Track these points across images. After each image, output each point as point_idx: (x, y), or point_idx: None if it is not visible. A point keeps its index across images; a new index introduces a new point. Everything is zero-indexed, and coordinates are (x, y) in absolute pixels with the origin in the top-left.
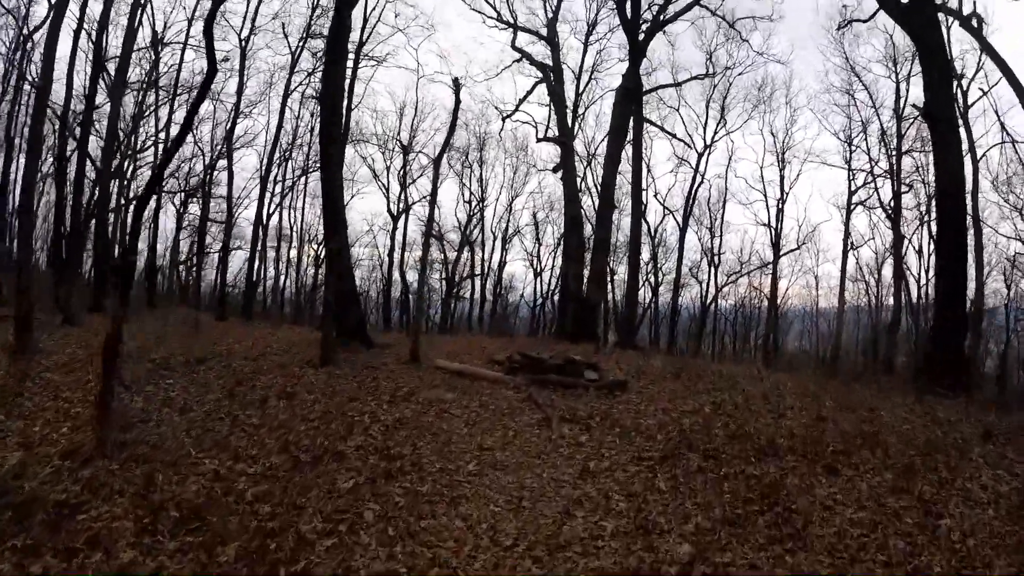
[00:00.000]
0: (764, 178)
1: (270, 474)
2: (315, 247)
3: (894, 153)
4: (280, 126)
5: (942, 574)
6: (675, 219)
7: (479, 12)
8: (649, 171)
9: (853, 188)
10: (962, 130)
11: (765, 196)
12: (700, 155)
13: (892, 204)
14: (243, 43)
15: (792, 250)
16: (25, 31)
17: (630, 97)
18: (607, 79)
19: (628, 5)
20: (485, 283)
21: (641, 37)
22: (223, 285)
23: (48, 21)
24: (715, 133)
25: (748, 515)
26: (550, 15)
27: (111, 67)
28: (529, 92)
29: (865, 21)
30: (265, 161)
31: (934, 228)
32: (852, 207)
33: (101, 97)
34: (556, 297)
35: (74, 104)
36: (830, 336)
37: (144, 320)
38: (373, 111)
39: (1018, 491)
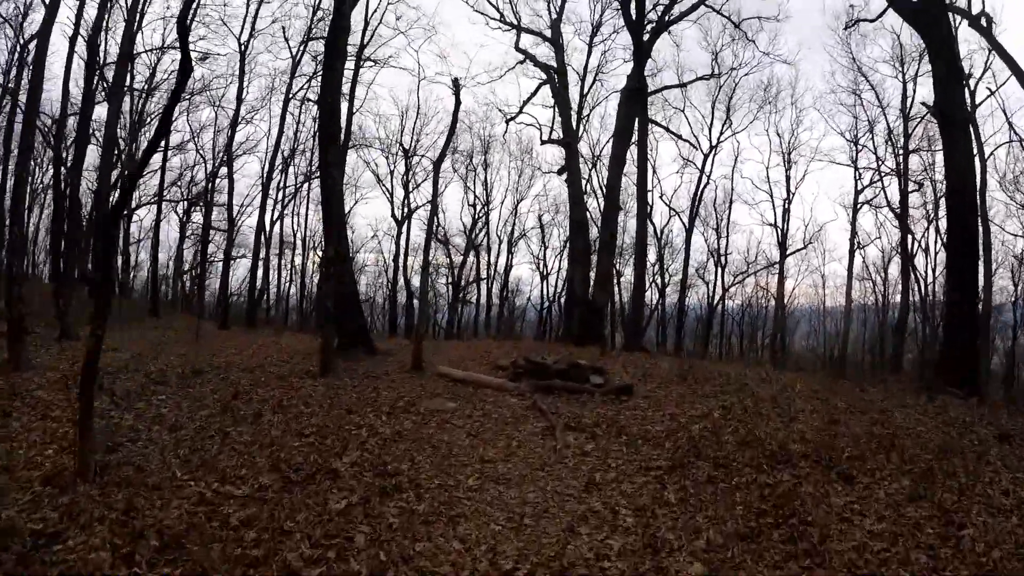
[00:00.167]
0: (770, 178)
1: (258, 496)
2: (319, 253)
3: (901, 152)
4: (281, 131)
5: None
6: (681, 220)
7: (482, 13)
8: (655, 172)
9: (859, 188)
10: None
11: (771, 196)
12: (706, 156)
13: (899, 203)
14: (243, 47)
15: (798, 250)
16: (22, 40)
17: (635, 98)
18: (612, 80)
19: (632, 5)
20: (491, 287)
21: (646, 38)
22: (225, 294)
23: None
24: (721, 134)
25: (762, 528)
26: (554, 16)
27: (108, 75)
28: (533, 94)
29: (872, 20)
30: (266, 167)
31: (942, 226)
32: (858, 206)
33: (99, 110)
34: (563, 300)
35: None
36: (837, 335)
37: (145, 330)
38: (376, 115)
39: None
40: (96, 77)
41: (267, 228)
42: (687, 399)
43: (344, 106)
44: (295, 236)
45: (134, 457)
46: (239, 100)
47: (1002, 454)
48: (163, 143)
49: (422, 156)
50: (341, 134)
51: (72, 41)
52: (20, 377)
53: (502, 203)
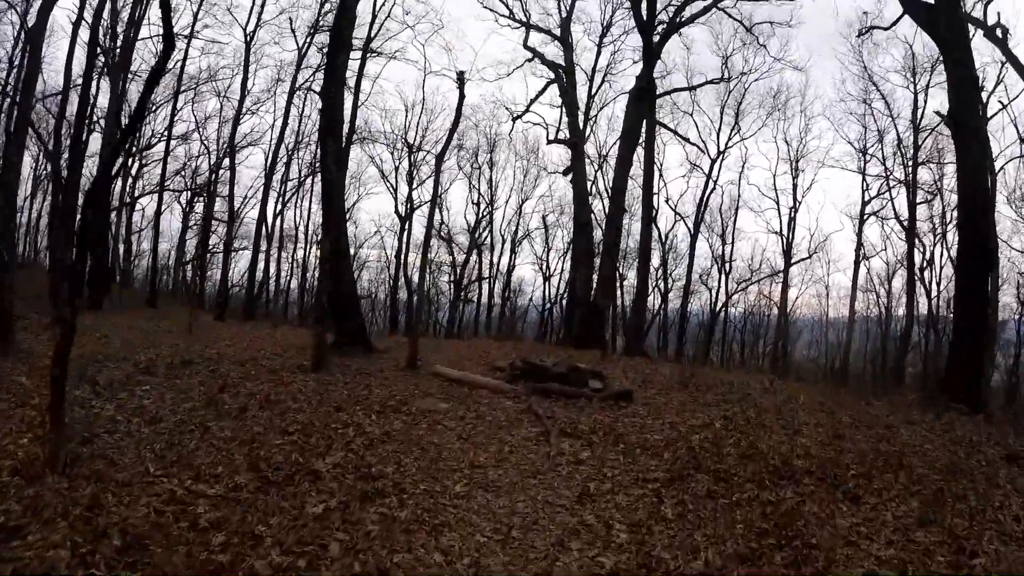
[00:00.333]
0: (777, 186)
1: (232, 496)
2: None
3: (910, 164)
4: (285, 123)
5: None
6: (686, 225)
7: (491, 10)
8: (661, 176)
9: (867, 198)
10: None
11: (777, 204)
12: (713, 161)
13: (907, 215)
14: (248, 37)
15: (803, 259)
16: (27, 26)
17: (643, 99)
18: (620, 82)
19: (644, 6)
20: (493, 286)
21: (656, 39)
22: (224, 285)
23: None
24: (729, 139)
25: (763, 550)
26: (563, 15)
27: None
28: (541, 92)
29: (887, 29)
30: (269, 159)
31: (950, 239)
32: (865, 217)
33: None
34: (564, 302)
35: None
36: (838, 346)
37: (141, 319)
38: (382, 110)
39: None
40: (100, 62)
41: (269, 221)
42: (688, 407)
43: (349, 99)
44: (297, 229)
45: (108, 450)
46: (243, 91)
47: (1011, 476)
48: (167, 133)
49: (427, 152)
50: (344, 127)
51: (75, 26)
52: (6, 364)
53: (506, 202)
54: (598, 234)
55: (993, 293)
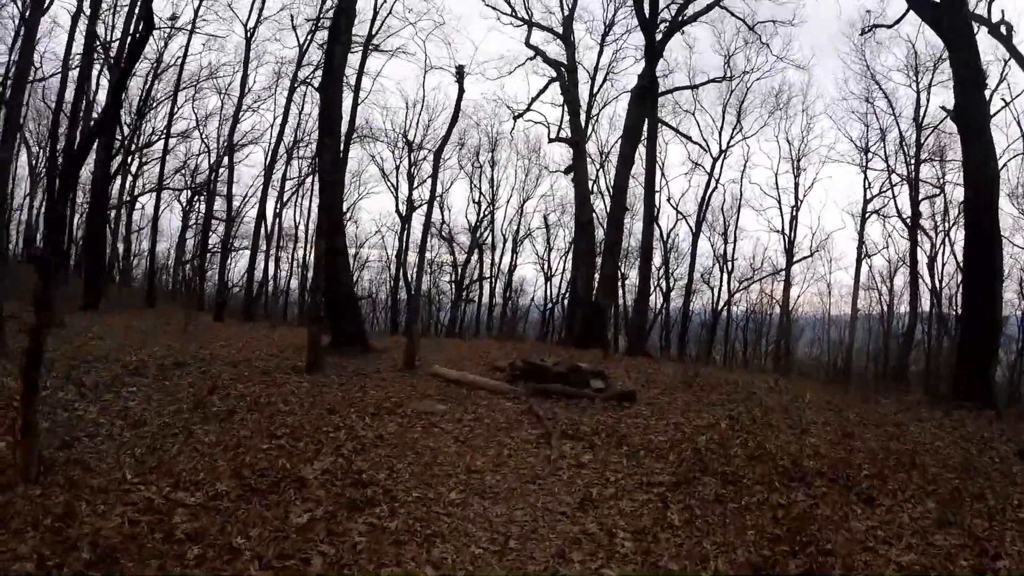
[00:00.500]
0: (779, 185)
1: (212, 505)
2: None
3: (912, 162)
4: (285, 121)
5: None
6: (688, 224)
7: (494, 8)
8: (663, 174)
9: (868, 196)
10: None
11: (779, 203)
12: (715, 160)
13: (910, 213)
14: (249, 34)
15: (805, 257)
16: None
17: (645, 97)
18: (622, 80)
19: (646, 4)
20: (495, 286)
21: (659, 37)
22: (222, 285)
23: None
24: (731, 138)
25: (776, 558)
26: (566, 13)
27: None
28: (542, 90)
29: (890, 26)
30: (269, 157)
31: (953, 235)
32: (867, 216)
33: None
34: (566, 301)
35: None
36: (840, 344)
37: (139, 319)
38: (383, 108)
39: None
40: (99, 57)
41: (269, 220)
42: (692, 407)
43: (349, 97)
44: (297, 229)
45: (87, 454)
46: (243, 88)
47: None
48: (167, 130)
49: (428, 150)
50: (341, 124)
51: (74, 20)
52: None
53: (508, 201)
54: (600, 233)
55: (997, 289)
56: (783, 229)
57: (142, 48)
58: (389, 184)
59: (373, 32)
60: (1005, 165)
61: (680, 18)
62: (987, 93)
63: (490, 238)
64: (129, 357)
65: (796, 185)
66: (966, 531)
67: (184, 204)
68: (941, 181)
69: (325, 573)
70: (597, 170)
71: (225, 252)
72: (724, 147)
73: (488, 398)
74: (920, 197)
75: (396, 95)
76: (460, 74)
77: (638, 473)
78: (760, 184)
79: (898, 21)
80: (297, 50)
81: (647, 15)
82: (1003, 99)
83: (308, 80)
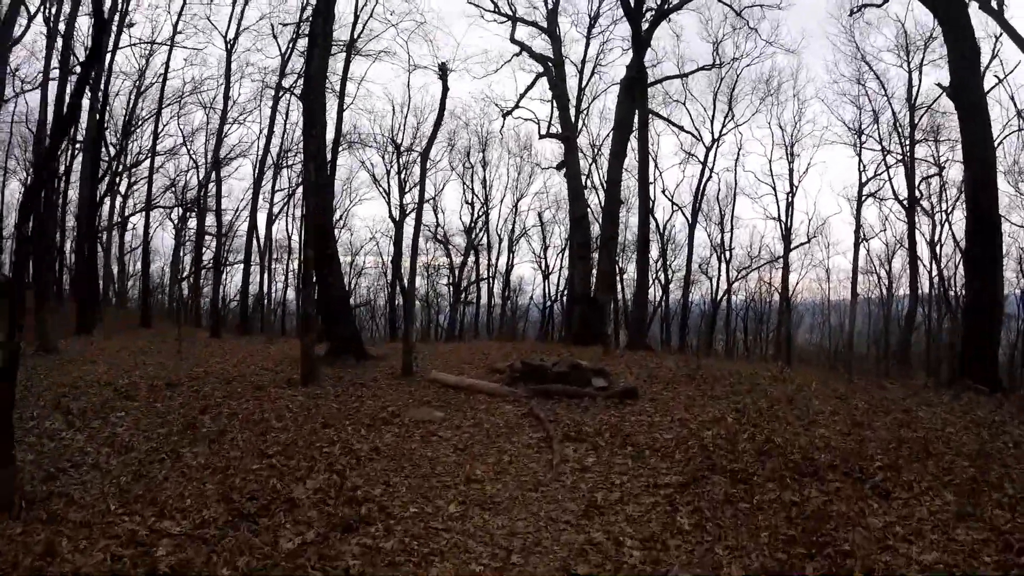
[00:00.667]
0: (773, 172)
1: (198, 534)
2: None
3: (907, 143)
4: (271, 131)
5: None
6: (684, 215)
7: (476, 5)
8: (656, 166)
9: (864, 180)
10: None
11: (774, 190)
12: (708, 149)
13: (907, 194)
14: (229, 45)
15: (802, 244)
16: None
17: (635, 88)
18: (611, 72)
19: None
20: (492, 287)
21: (645, 27)
22: (216, 300)
23: None
24: (723, 126)
25: (793, 561)
26: (550, 7)
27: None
28: (530, 86)
29: (879, 5)
30: (256, 170)
31: (952, 216)
32: (863, 199)
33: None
34: (565, 298)
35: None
36: (840, 329)
37: (134, 340)
38: (370, 113)
39: None
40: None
41: (261, 232)
42: (697, 401)
43: (334, 102)
44: (290, 240)
45: (72, 486)
46: (226, 100)
47: None
48: (152, 148)
49: (418, 153)
50: (326, 130)
51: (50, 39)
52: None
53: (501, 201)
54: (595, 229)
55: (997, 270)
56: (779, 216)
57: (99, 51)
58: (380, 189)
59: (355, 36)
60: (1000, 143)
61: (666, 6)
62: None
63: (485, 239)
64: (121, 380)
65: (790, 171)
66: (987, 524)
67: (176, 222)
68: (939, 161)
69: None
70: (589, 165)
71: (218, 268)
72: (717, 136)
73: (487, 402)
74: (918, 179)
75: (383, 99)
76: (443, 71)
77: (644, 475)
78: (754, 172)
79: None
80: (279, 59)
81: (632, 4)
82: (996, 76)
83: (292, 89)
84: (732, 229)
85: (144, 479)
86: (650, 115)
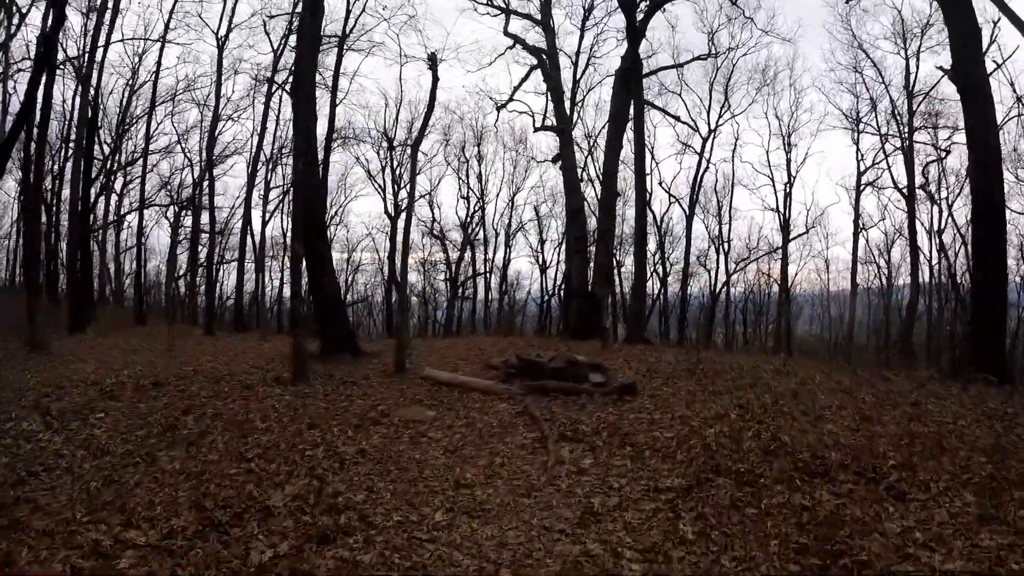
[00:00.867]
0: (771, 162)
1: (164, 545)
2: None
3: (906, 130)
4: (264, 128)
5: None
6: (681, 206)
7: None
8: (653, 157)
9: (862, 169)
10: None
11: (772, 180)
12: (705, 140)
13: (906, 182)
14: (220, 42)
15: (801, 234)
16: None
17: (630, 79)
18: (606, 64)
19: None
20: (490, 282)
21: (640, 16)
22: (210, 298)
23: None
24: (720, 117)
25: (806, 572)
26: None
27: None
28: (524, 78)
29: None
30: (250, 167)
31: (953, 204)
32: (862, 188)
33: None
34: (562, 292)
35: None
36: (840, 320)
37: (127, 338)
38: (365, 108)
39: None
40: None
41: (256, 230)
42: (698, 397)
43: (326, 97)
44: (285, 237)
45: (41, 492)
46: (217, 98)
47: None
48: (145, 147)
49: (424, 155)
50: (318, 124)
51: (39, 43)
52: None
53: (497, 195)
54: (592, 222)
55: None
56: (777, 207)
57: (56, 33)
58: (376, 185)
59: (347, 31)
60: (1001, 128)
61: None
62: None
63: (482, 233)
64: (108, 379)
65: (788, 161)
66: (1012, 527)
67: (171, 220)
68: (938, 148)
69: None
70: (585, 157)
71: (211, 265)
72: (713, 127)
73: (481, 400)
74: (922, 163)
75: (378, 94)
76: (433, 61)
77: (644, 477)
78: (752, 162)
79: None
80: (272, 56)
81: None
82: (994, 61)
83: (284, 85)
84: (730, 221)
85: (115, 484)
86: (646, 106)
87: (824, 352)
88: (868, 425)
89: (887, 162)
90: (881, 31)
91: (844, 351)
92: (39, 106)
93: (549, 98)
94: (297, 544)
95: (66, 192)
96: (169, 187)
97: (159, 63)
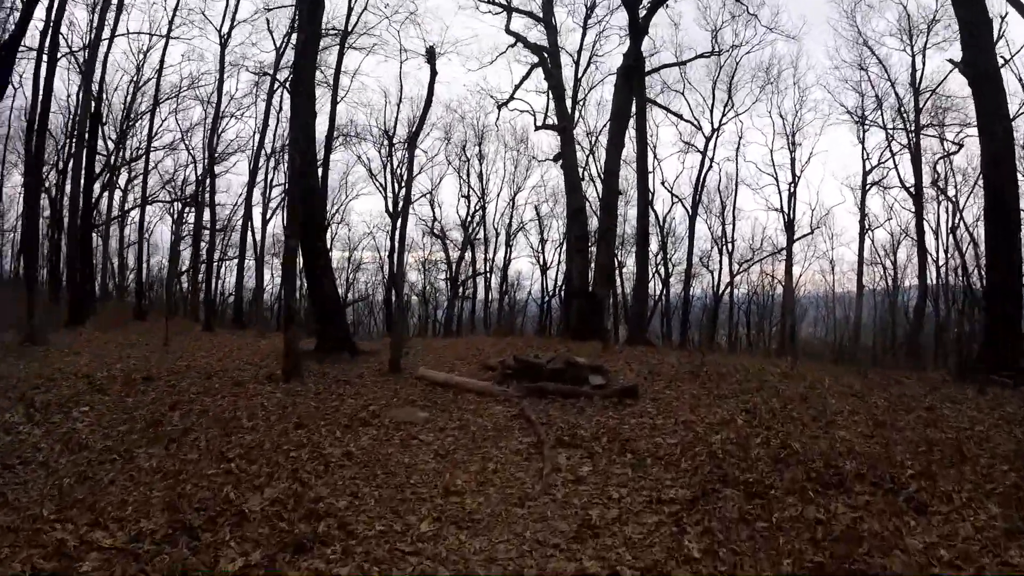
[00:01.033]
0: (775, 162)
1: (131, 548)
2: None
3: (912, 127)
4: (265, 125)
5: None
6: (684, 206)
7: None
8: (655, 157)
9: (868, 168)
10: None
11: (776, 180)
12: (708, 139)
13: (913, 181)
14: (223, 39)
15: (805, 235)
16: None
17: (632, 76)
18: (608, 62)
19: None
20: (490, 282)
21: (643, 13)
22: (209, 295)
23: None
24: (723, 115)
25: None
26: None
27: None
28: (525, 76)
29: None
30: (251, 164)
31: (962, 203)
32: (867, 187)
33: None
34: (562, 293)
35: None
36: (846, 321)
37: (124, 334)
38: (367, 107)
39: None
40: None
41: (257, 227)
42: (702, 401)
43: (327, 95)
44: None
45: (13, 486)
46: (219, 95)
47: None
48: (148, 143)
49: (423, 152)
50: (314, 118)
51: (42, 37)
52: None
53: (498, 195)
54: (593, 222)
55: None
56: (781, 207)
57: (26, 21)
58: (377, 184)
59: (349, 29)
60: (1013, 120)
61: None
62: None
63: (482, 233)
64: (99, 373)
65: (792, 161)
66: None
67: (174, 216)
68: (949, 142)
69: None
70: (587, 156)
71: (211, 262)
72: (716, 125)
73: (476, 402)
74: (931, 161)
75: (379, 93)
76: (431, 55)
77: (646, 488)
78: (756, 162)
79: None
80: (275, 54)
81: None
82: (1002, 57)
83: (286, 83)
84: (734, 221)
85: (89, 481)
86: (648, 104)
87: (829, 354)
88: (883, 431)
89: (894, 160)
90: (887, 27)
91: (850, 353)
92: (40, 98)
93: (550, 96)
94: (270, 553)
95: (70, 187)
96: (173, 183)
97: (162, 60)
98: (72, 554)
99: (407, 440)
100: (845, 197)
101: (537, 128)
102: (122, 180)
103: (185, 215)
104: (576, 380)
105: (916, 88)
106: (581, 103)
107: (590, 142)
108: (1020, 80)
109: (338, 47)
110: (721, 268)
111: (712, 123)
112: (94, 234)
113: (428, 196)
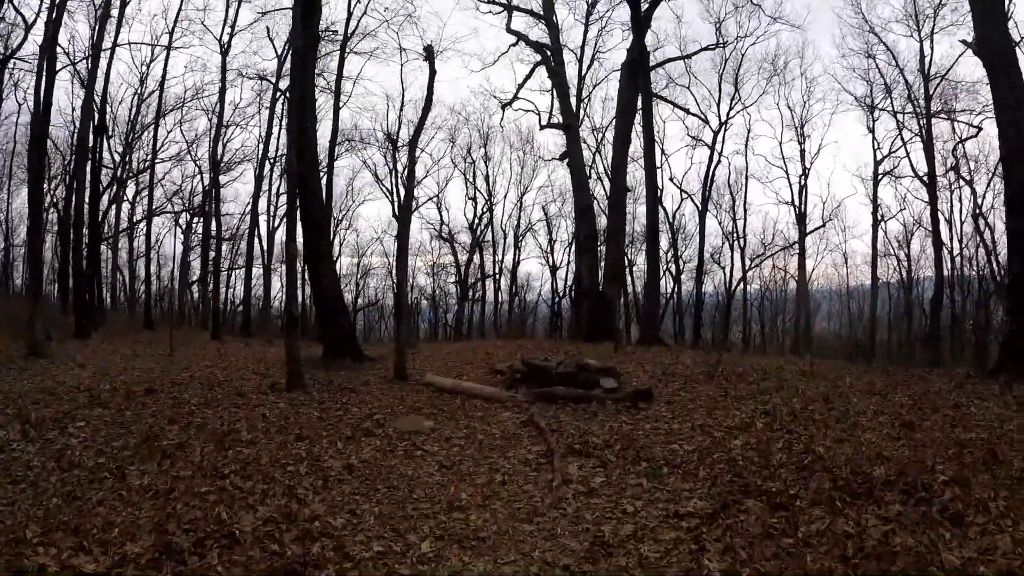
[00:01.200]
0: (784, 154)
1: (113, 574)
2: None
3: (923, 114)
4: (269, 133)
5: None
6: (693, 202)
7: None
8: (663, 151)
9: (879, 157)
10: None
11: (786, 173)
12: (716, 133)
13: (926, 169)
14: (223, 47)
15: (817, 228)
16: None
17: (636, 71)
18: (611, 58)
19: None
20: (499, 284)
21: (645, 7)
22: (216, 304)
23: None
24: (730, 108)
25: None
26: None
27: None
28: (529, 75)
29: None
30: (256, 173)
31: (978, 190)
32: (879, 177)
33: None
34: (572, 293)
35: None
36: (860, 316)
37: (128, 346)
38: (370, 111)
39: None
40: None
41: (263, 235)
42: (719, 403)
43: (329, 101)
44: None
45: (0, 506)
46: (222, 104)
47: None
48: (152, 155)
49: (421, 151)
50: (315, 119)
51: (43, 49)
52: None
53: (505, 196)
54: (602, 220)
55: None
56: (792, 200)
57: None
58: (383, 188)
59: (348, 33)
60: None
61: None
62: None
63: (490, 235)
64: (102, 385)
65: (802, 152)
66: None
67: (183, 227)
68: (958, 130)
69: None
70: (594, 154)
71: (217, 271)
72: (724, 119)
73: (484, 408)
74: (949, 145)
75: (382, 97)
76: (429, 53)
77: (662, 500)
78: (765, 155)
79: None
80: (276, 61)
81: None
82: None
83: (287, 91)
84: (744, 215)
85: (77, 501)
86: (654, 99)
87: (844, 350)
88: (910, 433)
89: (905, 149)
90: (892, 14)
91: (865, 348)
92: (41, 98)
93: (555, 94)
94: None
95: (75, 198)
96: (181, 194)
97: (164, 71)
98: None
99: (411, 451)
100: (856, 188)
101: (542, 127)
102: (130, 192)
103: (194, 225)
104: (587, 384)
105: (926, 74)
106: (586, 100)
107: (596, 139)
108: None
109: (339, 52)
110: (733, 264)
111: (719, 117)
112: (103, 246)
113: (435, 199)
